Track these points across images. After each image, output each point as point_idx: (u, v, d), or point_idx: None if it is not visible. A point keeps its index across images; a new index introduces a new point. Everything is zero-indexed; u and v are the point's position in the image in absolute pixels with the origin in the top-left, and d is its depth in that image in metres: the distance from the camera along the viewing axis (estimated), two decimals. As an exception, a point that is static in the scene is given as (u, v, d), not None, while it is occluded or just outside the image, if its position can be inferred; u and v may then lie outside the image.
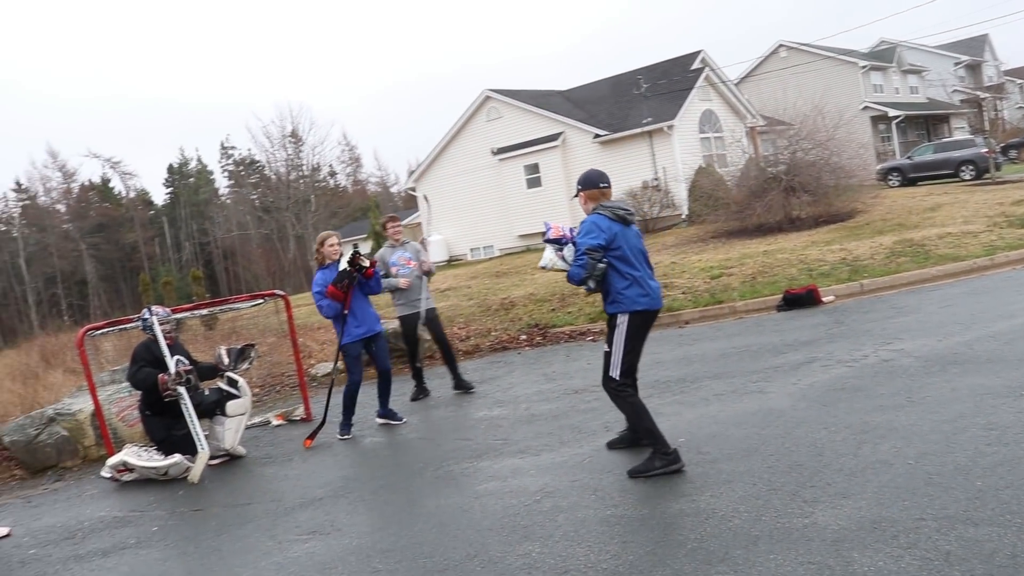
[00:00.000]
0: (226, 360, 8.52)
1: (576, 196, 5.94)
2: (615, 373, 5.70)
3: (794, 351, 8.82)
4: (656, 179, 28.72)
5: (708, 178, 25.72)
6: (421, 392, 9.82)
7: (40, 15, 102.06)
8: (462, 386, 9.71)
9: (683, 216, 27.56)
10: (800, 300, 11.81)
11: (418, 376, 9.91)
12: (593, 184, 5.86)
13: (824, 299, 11.82)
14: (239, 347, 8.78)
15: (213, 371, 8.62)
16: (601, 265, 5.53)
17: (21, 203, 73.13)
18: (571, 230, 5.83)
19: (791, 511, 4.49)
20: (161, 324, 8.16)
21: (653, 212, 27.37)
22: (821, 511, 4.42)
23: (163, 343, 8.02)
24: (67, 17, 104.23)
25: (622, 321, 5.65)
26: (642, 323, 5.71)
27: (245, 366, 8.76)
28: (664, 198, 27.92)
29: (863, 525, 4.15)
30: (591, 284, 5.60)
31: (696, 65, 31.52)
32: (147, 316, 8.16)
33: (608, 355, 5.74)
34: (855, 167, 22.44)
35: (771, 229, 20.51)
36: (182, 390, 7.83)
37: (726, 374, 8.27)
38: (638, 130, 28.97)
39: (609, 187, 5.91)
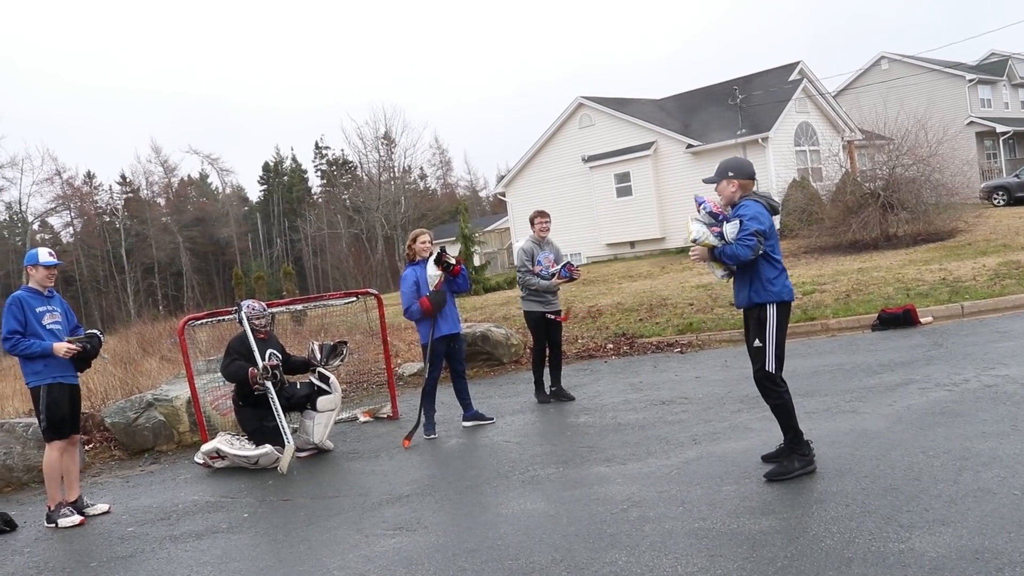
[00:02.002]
0: (319, 356, 8.69)
1: (722, 181, 5.78)
2: (771, 367, 5.61)
3: (890, 372, 8.58)
4: (748, 191, 28.31)
5: (802, 192, 25.24)
6: (549, 395, 9.50)
7: (147, 19, 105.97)
8: (561, 395, 9.49)
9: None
10: (896, 320, 11.48)
11: (539, 382, 9.59)
12: (750, 175, 5.82)
13: (922, 320, 11.47)
14: (332, 344, 8.94)
15: (305, 366, 8.81)
16: (761, 251, 5.52)
17: (125, 195, 75.99)
18: (722, 211, 5.79)
19: (886, 535, 4.37)
20: (256, 319, 8.39)
21: (744, 225, 26.95)
22: (918, 537, 4.29)
23: (251, 337, 8.24)
24: (173, 22, 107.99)
25: (771, 312, 5.61)
26: (787, 314, 5.71)
27: (337, 363, 8.91)
28: (756, 211, 27.50)
29: (964, 555, 4.01)
30: (733, 269, 5.67)
31: (794, 76, 31.03)
32: (239, 310, 8.40)
33: (760, 350, 5.62)
34: (958, 185, 21.78)
35: (866, 246, 20.03)
36: (269, 384, 8.03)
37: (818, 392, 8.10)
38: (731, 141, 28.61)
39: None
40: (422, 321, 8.43)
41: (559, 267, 9.26)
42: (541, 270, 9.29)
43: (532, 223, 9.54)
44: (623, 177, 31.65)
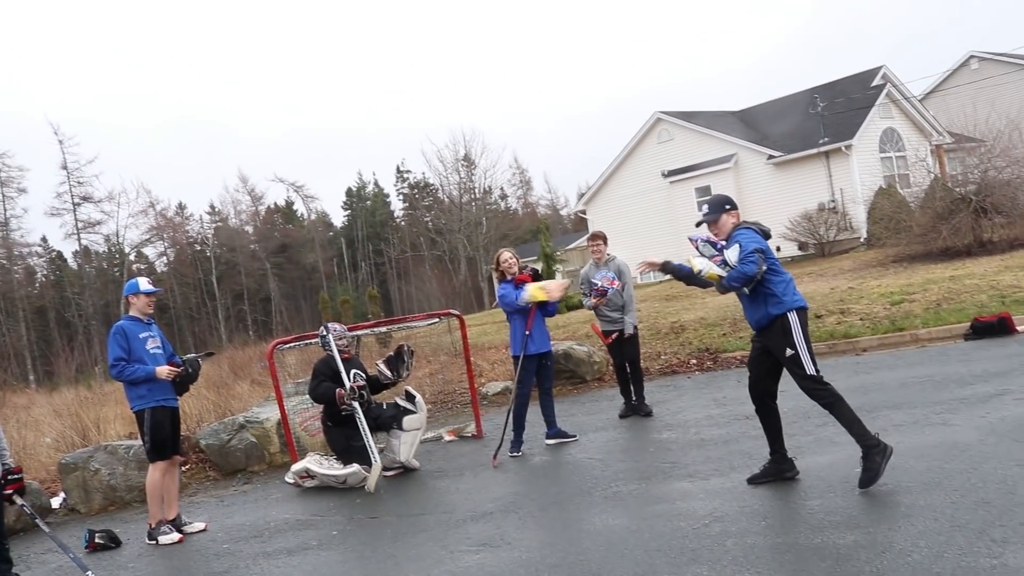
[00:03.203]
0: (388, 373, 8.77)
1: (722, 215, 6.03)
2: (811, 369, 5.71)
3: (983, 383, 8.34)
4: (833, 201, 27.80)
5: (889, 200, 24.64)
6: (630, 409, 9.67)
7: (229, 53, 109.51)
8: (640, 409, 9.59)
9: (861, 239, 26.53)
10: (991, 329, 11.13)
11: (626, 393, 9.78)
12: (736, 206, 6.13)
13: (1018, 328, 11.10)
14: (392, 354, 9.00)
15: (382, 384, 8.95)
16: (764, 268, 5.68)
17: (214, 224, 78.39)
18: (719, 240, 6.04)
19: (977, 550, 4.27)
20: (337, 340, 8.61)
21: (830, 235, 26.49)
22: (1012, 552, 4.18)
23: (339, 359, 8.46)
24: (254, 55, 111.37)
25: (792, 319, 5.74)
26: (807, 319, 5.84)
27: (406, 372, 8.94)
28: (841, 221, 26.98)
29: (1059, 569, 3.90)
30: (747, 288, 5.79)
31: (877, 81, 30.36)
32: (325, 333, 8.63)
33: (795, 356, 5.72)
34: (1058, 187, 20.95)
35: (958, 253, 19.43)
36: (356, 404, 8.22)
37: (906, 404, 7.92)
38: (814, 151, 28.16)
39: None
40: (515, 330, 8.57)
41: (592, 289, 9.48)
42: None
43: (588, 247, 10.01)
44: (704, 191, 31.35)
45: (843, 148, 27.46)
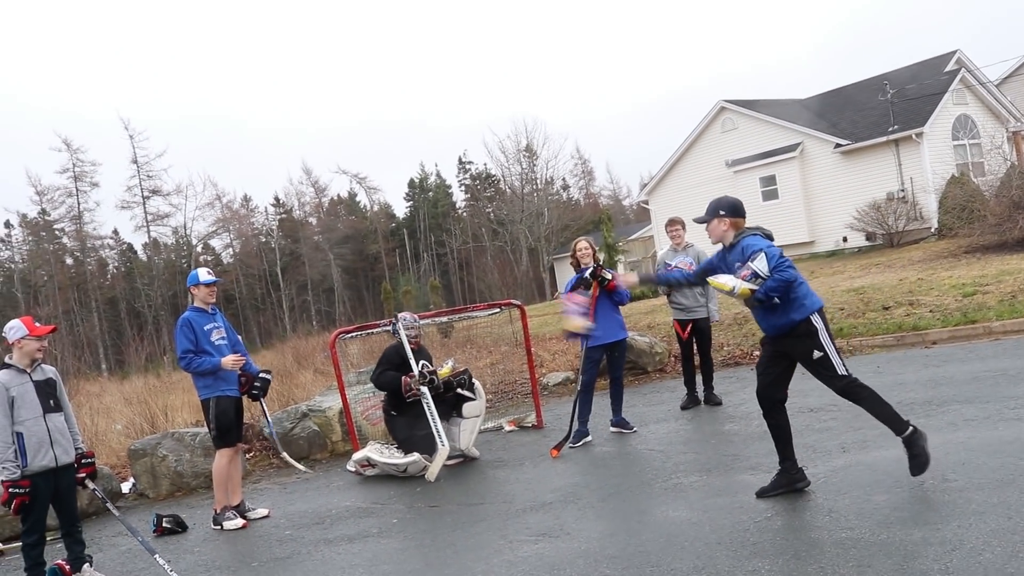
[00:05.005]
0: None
1: (713, 220, 5.98)
2: (842, 368, 5.58)
3: (1060, 376, 8.06)
4: (902, 190, 27.14)
5: (961, 188, 23.95)
6: (692, 401, 9.66)
7: (292, 49, 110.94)
8: (710, 400, 9.59)
9: (932, 229, 25.86)
10: (1068, 321, 10.76)
11: (690, 384, 9.77)
12: (742, 214, 6.00)
13: (1097, 321, 10.71)
14: (460, 375, 8.79)
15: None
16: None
17: (279, 216, 79.56)
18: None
19: (1053, 549, 4.12)
20: (407, 330, 8.67)
21: (898, 225, 25.88)
22: (1089, 551, 4.03)
23: (408, 346, 8.51)
24: (318, 50, 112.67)
25: (816, 321, 5.60)
26: (826, 318, 5.73)
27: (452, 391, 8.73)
28: (911, 210, 26.32)
29: None
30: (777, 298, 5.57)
31: (950, 67, 29.53)
32: (395, 321, 8.69)
33: (824, 358, 5.57)
34: None
35: (1035, 244, 18.83)
36: (425, 389, 8.26)
37: (978, 399, 7.69)
38: (883, 139, 27.49)
39: None
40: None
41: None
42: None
43: (666, 231, 9.77)
44: (768, 180, 30.90)
45: (914, 136, 26.77)
